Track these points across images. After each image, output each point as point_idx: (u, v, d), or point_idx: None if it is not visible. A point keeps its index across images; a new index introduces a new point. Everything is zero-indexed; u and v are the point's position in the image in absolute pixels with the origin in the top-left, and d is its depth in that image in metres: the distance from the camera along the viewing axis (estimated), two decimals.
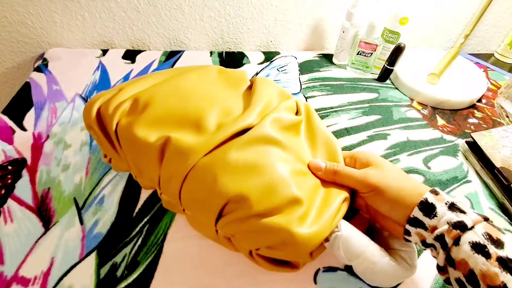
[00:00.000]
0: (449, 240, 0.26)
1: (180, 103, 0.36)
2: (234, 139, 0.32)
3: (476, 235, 0.25)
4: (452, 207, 0.28)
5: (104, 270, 0.34)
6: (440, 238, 0.27)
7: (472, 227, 0.26)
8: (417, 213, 0.28)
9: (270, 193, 0.28)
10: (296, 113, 0.40)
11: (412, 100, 0.61)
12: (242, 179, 0.29)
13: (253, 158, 0.31)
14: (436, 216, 0.27)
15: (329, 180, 0.34)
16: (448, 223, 0.27)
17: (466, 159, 0.50)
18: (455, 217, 0.27)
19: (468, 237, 0.25)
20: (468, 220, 0.26)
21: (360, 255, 0.29)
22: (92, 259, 0.34)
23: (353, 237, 0.29)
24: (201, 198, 0.31)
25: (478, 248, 0.25)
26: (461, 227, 0.26)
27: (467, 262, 0.25)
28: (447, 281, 0.28)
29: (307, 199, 0.30)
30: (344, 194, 0.32)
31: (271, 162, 0.31)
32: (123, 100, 0.36)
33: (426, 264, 0.36)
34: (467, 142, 0.50)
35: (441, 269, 0.28)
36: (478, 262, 0.24)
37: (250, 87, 0.41)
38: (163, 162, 0.32)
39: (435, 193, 0.29)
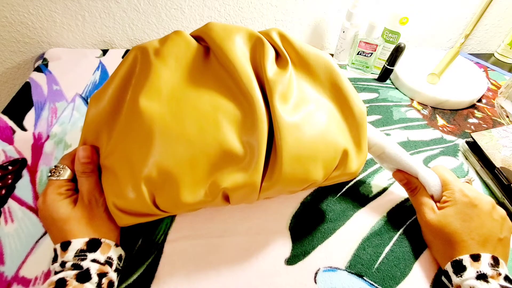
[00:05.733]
0: None
1: (192, 145, 0.30)
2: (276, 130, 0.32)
3: None
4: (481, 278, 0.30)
5: None
6: None
7: None
8: (448, 268, 0.33)
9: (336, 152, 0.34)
10: (277, 55, 0.36)
11: (412, 100, 0.61)
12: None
13: (307, 136, 0.32)
14: (461, 276, 0.31)
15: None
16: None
17: (466, 159, 0.50)
18: (478, 285, 0.29)
19: None
20: None
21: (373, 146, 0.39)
22: None
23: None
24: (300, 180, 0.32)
25: None
26: None
27: None
28: None
29: (348, 141, 0.36)
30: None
31: (323, 127, 0.34)
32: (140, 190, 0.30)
33: (426, 265, 0.36)
34: (467, 142, 0.50)
35: None
36: None
37: (205, 50, 0.35)
38: (232, 203, 0.34)
39: (476, 258, 0.31)
